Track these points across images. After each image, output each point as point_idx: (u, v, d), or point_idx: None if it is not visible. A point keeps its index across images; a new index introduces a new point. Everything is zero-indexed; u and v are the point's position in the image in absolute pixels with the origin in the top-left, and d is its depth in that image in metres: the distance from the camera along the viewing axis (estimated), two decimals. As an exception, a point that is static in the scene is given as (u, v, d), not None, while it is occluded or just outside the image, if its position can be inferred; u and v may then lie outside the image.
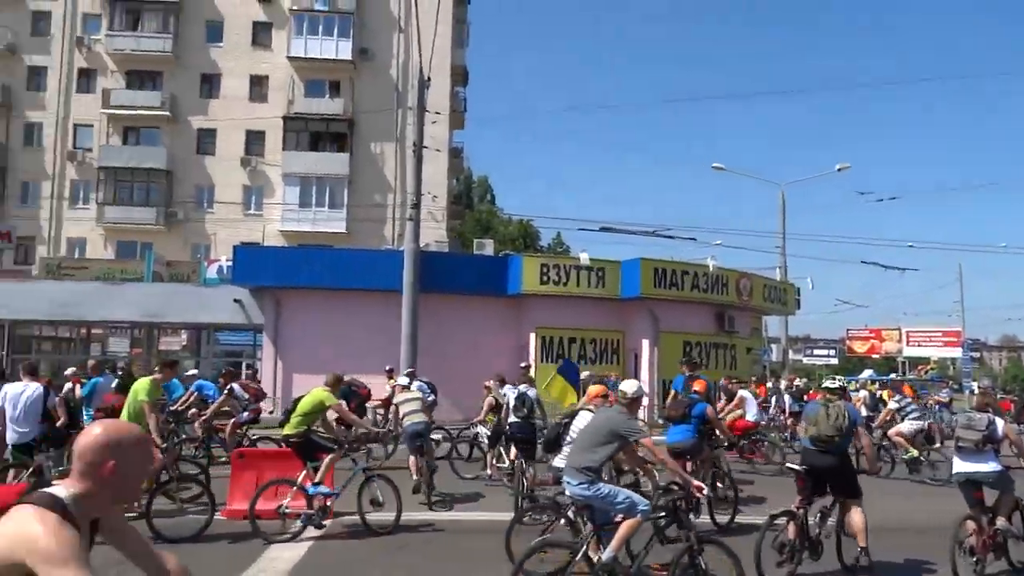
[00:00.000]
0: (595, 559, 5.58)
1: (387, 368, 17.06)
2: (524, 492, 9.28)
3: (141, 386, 8.58)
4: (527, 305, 22.46)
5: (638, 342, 22.80)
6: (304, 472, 8.28)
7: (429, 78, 18.34)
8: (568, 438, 6.86)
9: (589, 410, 6.91)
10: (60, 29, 36.68)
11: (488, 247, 26.65)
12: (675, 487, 6.03)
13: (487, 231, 48.11)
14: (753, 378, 21.90)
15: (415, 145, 19.49)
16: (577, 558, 5.54)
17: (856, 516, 6.63)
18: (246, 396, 12.84)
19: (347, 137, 36.81)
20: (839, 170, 30.82)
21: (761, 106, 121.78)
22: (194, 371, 13.50)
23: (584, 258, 22.46)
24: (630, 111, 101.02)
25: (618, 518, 5.71)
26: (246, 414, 12.73)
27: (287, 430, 8.44)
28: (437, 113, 26.79)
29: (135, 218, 35.70)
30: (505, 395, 11.92)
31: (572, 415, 7.05)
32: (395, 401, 10.60)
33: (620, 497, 5.69)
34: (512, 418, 10.42)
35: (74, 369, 12.80)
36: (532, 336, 22.08)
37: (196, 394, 13.21)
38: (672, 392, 13.36)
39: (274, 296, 22.08)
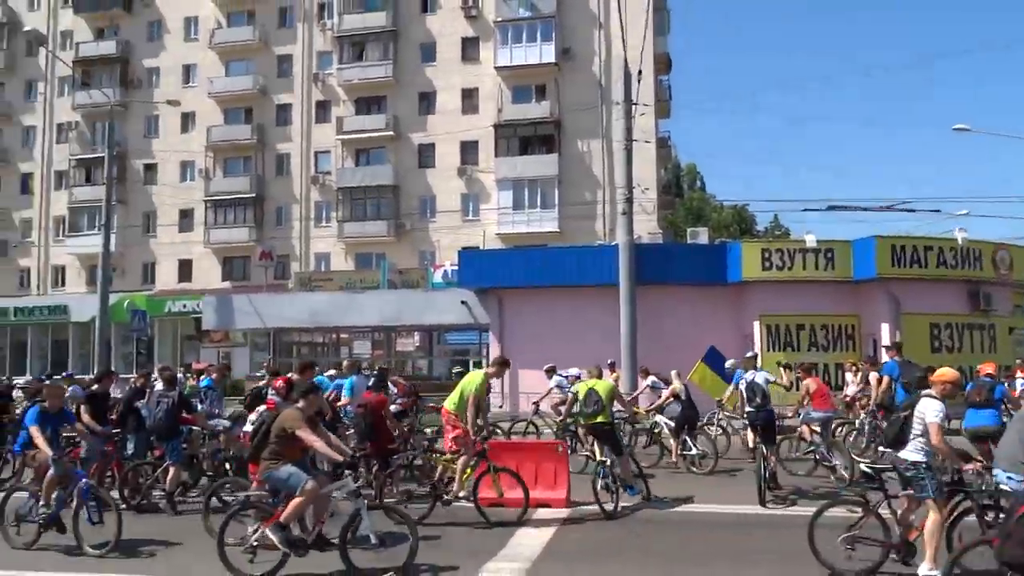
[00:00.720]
0: None
1: (609, 362, 17.28)
2: (767, 477, 9.25)
3: (476, 377, 9.36)
4: (749, 292, 21.62)
5: (876, 326, 21.08)
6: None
7: (640, 71, 18.24)
8: (915, 430, 6.23)
9: (932, 396, 6.28)
10: (300, 69, 41.36)
11: (702, 235, 25.95)
12: None
13: (699, 219, 46.91)
14: (1018, 360, 19.44)
15: (625, 139, 19.52)
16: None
17: None
18: (394, 390, 13.71)
19: (554, 138, 37.78)
20: (1119, 117, 26.46)
21: (1007, 56, 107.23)
22: (332, 371, 14.54)
23: (810, 240, 21.19)
24: (847, 79, 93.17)
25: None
26: (392, 407, 13.51)
27: (600, 419, 9.37)
28: (645, 105, 26.57)
29: (369, 232, 39.25)
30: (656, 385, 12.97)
31: (912, 404, 6.35)
32: (572, 390, 10.94)
33: None
34: (748, 408, 10.50)
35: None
36: (756, 324, 21.22)
37: (334, 392, 13.55)
38: (887, 379, 12.30)
39: (497, 296, 23.17)
